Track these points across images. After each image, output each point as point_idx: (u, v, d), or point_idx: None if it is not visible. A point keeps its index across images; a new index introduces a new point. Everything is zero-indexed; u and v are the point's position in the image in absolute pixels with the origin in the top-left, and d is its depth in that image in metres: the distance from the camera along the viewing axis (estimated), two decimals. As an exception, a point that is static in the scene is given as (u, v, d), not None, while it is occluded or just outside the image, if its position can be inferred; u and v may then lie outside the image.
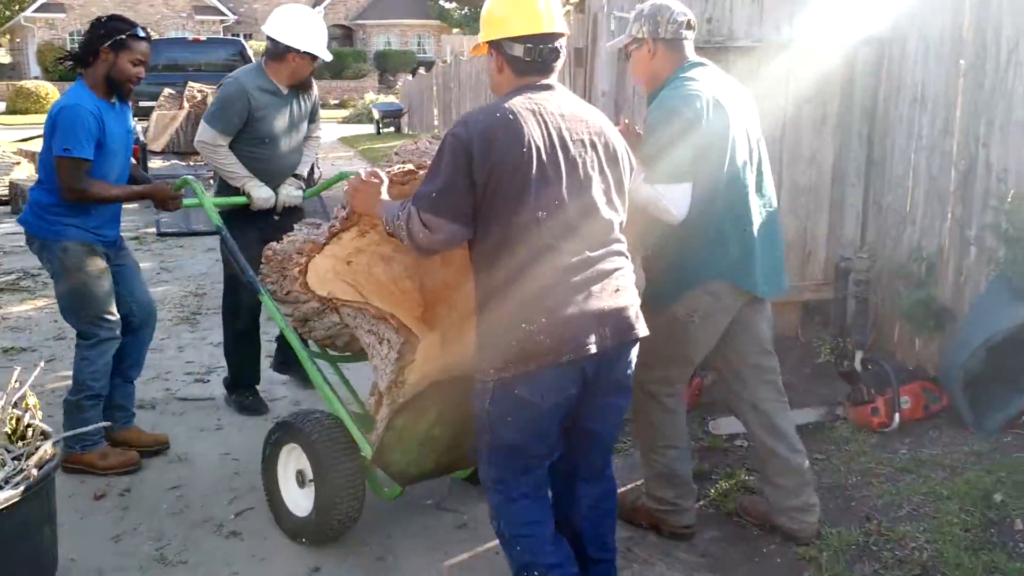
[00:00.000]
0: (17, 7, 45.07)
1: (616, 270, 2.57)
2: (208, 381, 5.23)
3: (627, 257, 2.65)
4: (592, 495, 2.80)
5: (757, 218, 3.09)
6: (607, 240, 2.57)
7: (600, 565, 2.81)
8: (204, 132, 4.39)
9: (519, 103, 2.49)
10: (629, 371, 2.67)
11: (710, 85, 3.00)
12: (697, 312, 3.10)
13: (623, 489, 3.61)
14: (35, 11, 42.59)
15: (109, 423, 4.00)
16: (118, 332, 3.96)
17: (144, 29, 3.94)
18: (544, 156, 2.45)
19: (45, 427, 3.07)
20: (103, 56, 3.75)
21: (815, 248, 5.41)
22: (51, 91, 34.16)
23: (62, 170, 3.70)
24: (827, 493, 3.67)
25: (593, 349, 2.46)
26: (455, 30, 49.17)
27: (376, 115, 24.64)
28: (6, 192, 11.37)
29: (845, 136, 5.21)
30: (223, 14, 46.01)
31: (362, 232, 2.99)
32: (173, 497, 3.81)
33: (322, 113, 4.93)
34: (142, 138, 11.56)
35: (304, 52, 4.31)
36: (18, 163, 12.28)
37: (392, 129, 24.12)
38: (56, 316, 6.38)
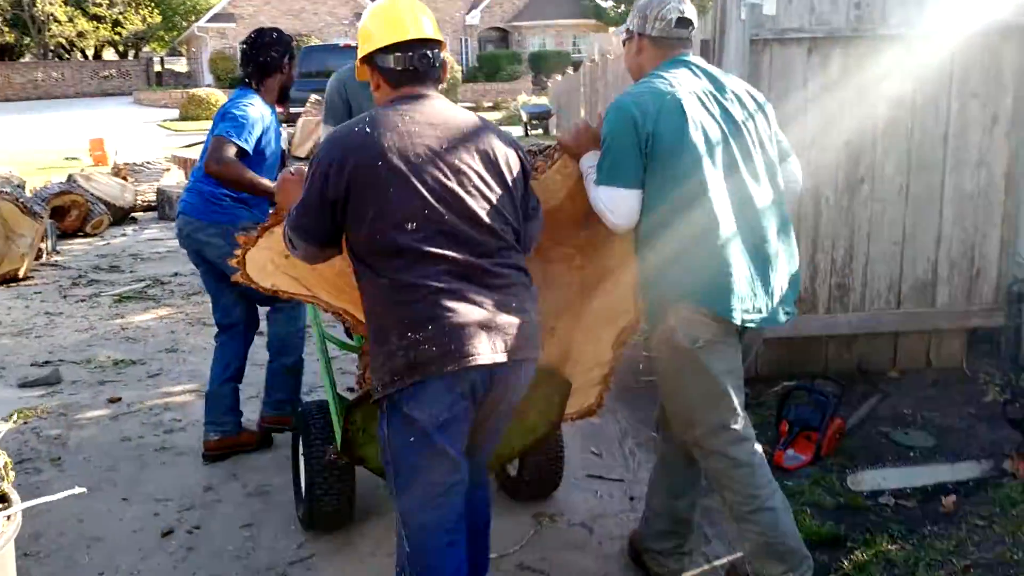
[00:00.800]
0: (194, 18, 47.43)
1: (507, 282, 2.44)
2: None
3: (522, 270, 2.51)
4: (477, 510, 2.71)
5: (735, 232, 2.70)
6: (492, 250, 2.43)
7: None
8: (323, 131, 4.50)
9: (381, 116, 2.45)
10: (520, 393, 2.55)
11: (677, 84, 2.73)
12: (697, 339, 2.72)
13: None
14: (207, 21, 44.64)
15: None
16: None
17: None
18: (405, 168, 2.37)
19: (9, 491, 2.74)
20: (284, 68, 4.14)
21: (984, 266, 4.69)
22: (221, 98, 35.59)
23: (214, 147, 3.82)
24: (986, 571, 3.02)
25: (482, 360, 2.34)
26: (611, 28, 48.54)
27: (524, 117, 24.41)
28: (154, 198, 11.63)
29: (1022, 137, 4.47)
30: (382, 20, 46.87)
31: None
32: (242, 538, 3.52)
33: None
34: (284, 145, 11.62)
35: None
36: (168, 170, 12.59)
37: (540, 131, 23.83)
38: (173, 327, 6.41)
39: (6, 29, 47.70)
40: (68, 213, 9.93)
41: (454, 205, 2.39)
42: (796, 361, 4.89)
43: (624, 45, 3.04)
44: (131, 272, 8.30)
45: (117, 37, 52.48)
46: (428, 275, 2.35)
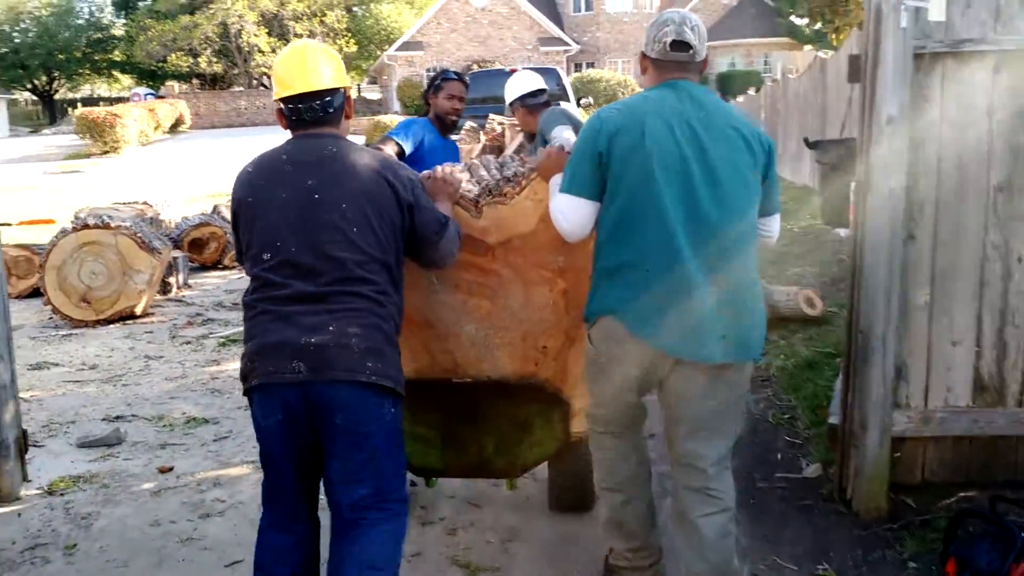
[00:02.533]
0: (387, 47, 48.78)
1: (336, 309, 2.60)
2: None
3: (365, 296, 2.64)
4: (339, 552, 2.68)
5: (666, 260, 2.69)
6: (335, 279, 2.62)
7: None
8: None
9: (266, 157, 2.80)
10: (358, 416, 2.61)
11: (650, 106, 2.79)
12: (601, 349, 2.88)
13: None
14: (396, 50, 45.75)
15: None
16: None
17: (457, 73, 4.77)
18: (267, 201, 2.68)
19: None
20: (431, 101, 4.65)
21: None
22: (403, 124, 36.24)
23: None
24: None
25: (283, 379, 2.56)
26: (807, 47, 46.51)
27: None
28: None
29: None
30: (567, 44, 46.75)
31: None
32: None
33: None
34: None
35: None
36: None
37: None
38: None
39: (214, 60, 50.66)
40: (207, 245, 9.77)
41: (305, 239, 2.63)
42: (977, 465, 3.80)
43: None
44: (250, 311, 7.94)
45: (315, 66, 54.64)
46: (265, 299, 2.64)
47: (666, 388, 2.84)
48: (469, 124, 13.50)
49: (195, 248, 9.71)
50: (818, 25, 44.77)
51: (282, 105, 2.80)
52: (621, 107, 2.86)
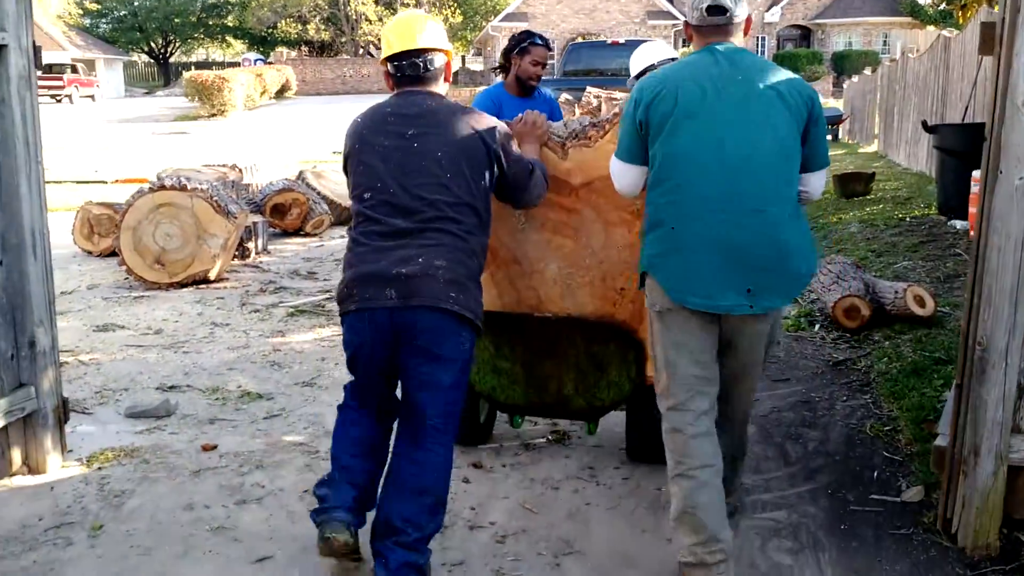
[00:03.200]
0: (493, 18, 48.43)
1: (427, 243, 2.94)
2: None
3: (453, 234, 2.97)
4: (399, 465, 3.02)
5: (702, 218, 2.84)
6: (427, 218, 2.96)
7: (386, 542, 2.93)
8: None
9: (372, 110, 3.21)
10: (438, 338, 2.92)
11: (687, 73, 2.93)
12: (655, 304, 3.02)
13: None
14: (501, 20, 45.35)
15: None
16: None
17: (542, 36, 5.04)
18: (371, 148, 3.08)
19: None
20: (513, 62, 4.99)
21: None
22: (505, 95, 35.90)
23: None
24: None
25: (376, 304, 2.90)
26: (929, 27, 44.30)
27: (812, 121, 22.22)
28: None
29: None
30: (675, 18, 45.60)
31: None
32: None
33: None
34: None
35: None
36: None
37: (829, 137, 21.59)
38: (326, 352, 5.64)
39: (322, 27, 51.16)
40: (289, 211, 9.61)
41: (402, 181, 2.99)
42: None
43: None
44: (325, 280, 7.71)
45: (421, 36, 54.66)
46: (363, 233, 3.00)
47: (725, 332, 3.00)
48: (564, 96, 13.07)
49: (277, 214, 9.55)
50: (942, 5, 42.52)
51: (388, 65, 3.18)
52: (661, 75, 2.99)
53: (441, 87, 3.24)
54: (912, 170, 13.93)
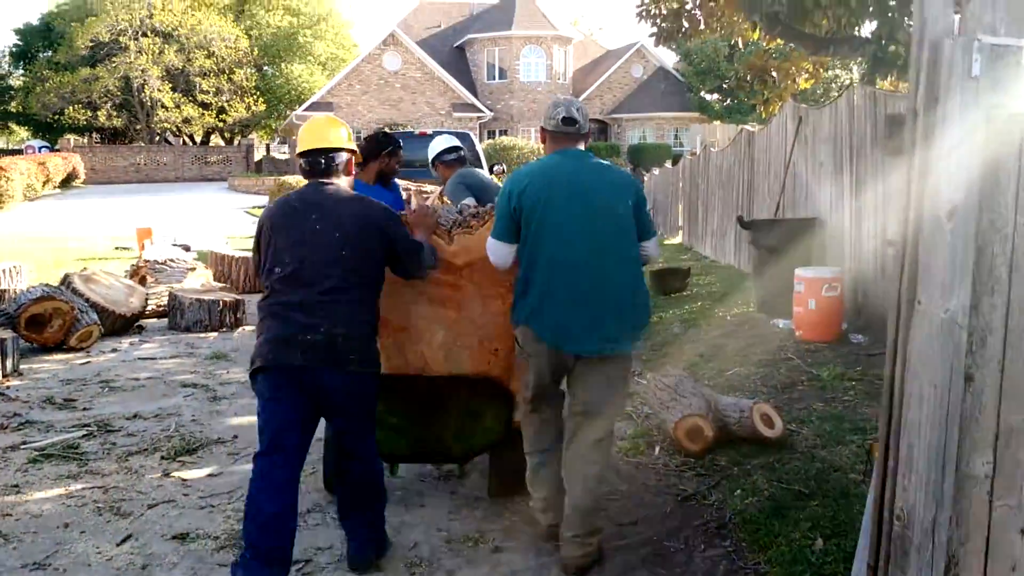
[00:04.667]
0: (297, 106, 47.45)
1: (327, 313, 3.55)
2: None
3: (354, 303, 3.63)
4: (353, 468, 3.82)
5: (560, 280, 3.73)
6: (326, 289, 3.57)
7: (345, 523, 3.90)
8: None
9: (281, 198, 3.88)
10: (347, 393, 3.64)
11: (546, 169, 3.86)
12: (524, 347, 3.90)
13: None
14: (305, 110, 44.45)
15: None
16: None
17: (399, 141, 5.79)
18: (283, 229, 3.69)
19: None
20: (381, 160, 5.61)
21: None
22: (309, 186, 34.79)
23: None
24: None
25: (287, 363, 3.52)
26: (716, 123, 46.86)
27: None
28: (165, 303, 9.92)
29: None
30: (480, 111, 46.20)
31: None
32: None
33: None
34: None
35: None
36: (193, 269, 10.90)
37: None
38: (68, 517, 4.10)
39: (114, 113, 48.54)
40: (49, 323, 8.25)
41: (305, 258, 3.61)
42: None
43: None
44: (84, 410, 6.46)
45: (222, 124, 53.07)
46: (274, 304, 3.63)
47: (572, 374, 3.90)
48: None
49: (34, 326, 8.18)
50: (727, 102, 45.24)
51: (301, 160, 3.80)
52: (527, 172, 3.90)
53: (343, 180, 3.89)
54: (720, 263, 13.95)
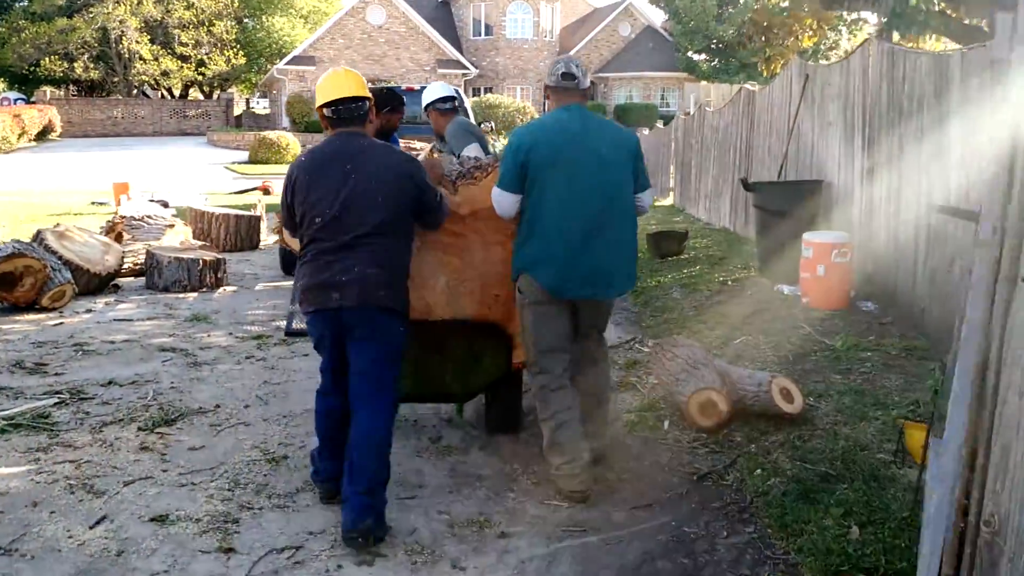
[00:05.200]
0: (278, 60, 46.55)
1: (362, 255, 3.76)
2: None
3: (387, 248, 3.82)
4: (360, 421, 3.84)
5: (560, 228, 4.05)
6: (362, 234, 3.76)
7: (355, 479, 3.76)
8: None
9: (313, 148, 4.04)
10: (374, 327, 3.80)
11: (552, 124, 4.18)
12: (526, 294, 4.16)
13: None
14: (287, 63, 43.59)
15: None
16: None
17: (401, 98, 6.04)
18: (318, 180, 3.84)
19: None
20: (381, 117, 5.38)
21: None
22: (292, 142, 34.19)
23: None
24: None
25: (327, 305, 3.77)
26: (703, 83, 46.35)
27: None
28: (142, 261, 9.50)
29: None
30: (465, 68, 45.47)
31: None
32: None
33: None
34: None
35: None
36: (172, 226, 10.45)
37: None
38: (38, 494, 4.13)
39: (91, 65, 47.48)
40: (20, 282, 7.83)
41: (343, 205, 3.77)
42: None
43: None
44: (56, 375, 6.08)
45: (201, 77, 52.07)
46: (314, 250, 3.83)
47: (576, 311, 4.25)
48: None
49: (3, 285, 7.77)
50: (716, 62, 44.59)
51: (326, 110, 3.93)
52: (536, 126, 4.29)
53: (367, 128, 4.04)
54: (715, 226, 13.63)
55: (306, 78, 43.65)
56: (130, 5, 46.24)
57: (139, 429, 5.05)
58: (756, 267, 9.01)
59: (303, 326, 7.39)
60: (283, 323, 7.66)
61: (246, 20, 52.93)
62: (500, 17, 47.31)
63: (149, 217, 10.50)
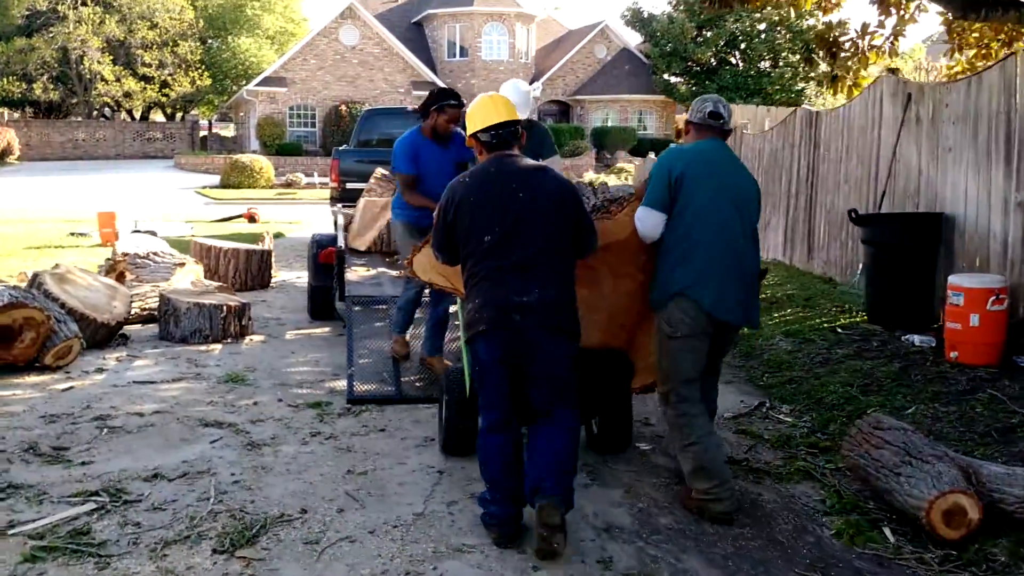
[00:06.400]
0: (244, 82, 45.17)
1: (542, 275, 3.84)
2: None
3: (561, 270, 3.93)
4: (543, 434, 3.90)
5: (714, 251, 4.16)
6: (537, 252, 3.85)
7: (542, 491, 3.80)
8: None
9: (477, 170, 4.09)
10: (553, 355, 3.87)
11: (697, 151, 4.31)
12: (678, 326, 4.19)
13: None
14: (257, 85, 42.20)
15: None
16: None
17: (456, 96, 6.17)
18: (487, 198, 3.93)
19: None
20: (432, 115, 6.07)
21: None
22: (266, 166, 32.87)
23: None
24: None
25: (505, 325, 3.80)
26: (680, 106, 45.71)
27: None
28: (156, 305, 8.23)
29: None
30: (440, 89, 44.38)
31: None
32: None
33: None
34: (340, 240, 8.27)
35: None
36: (182, 264, 9.16)
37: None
38: None
39: (51, 86, 45.76)
40: (19, 336, 6.54)
41: (514, 223, 3.87)
42: None
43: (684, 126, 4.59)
44: (83, 464, 4.82)
45: (165, 99, 50.55)
46: (488, 267, 3.87)
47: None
48: (381, 171, 10.75)
49: (0, 339, 6.49)
50: (694, 86, 43.96)
51: (482, 135, 4.09)
52: (686, 151, 4.36)
53: (516, 149, 4.23)
54: (765, 259, 12.62)
55: (277, 99, 42.32)
56: (92, 25, 44.74)
57: (214, 551, 3.83)
58: (861, 310, 7.97)
59: (368, 388, 6.30)
60: (339, 385, 6.46)
61: (211, 41, 51.50)
62: (475, 39, 46.39)
63: (155, 254, 9.20)
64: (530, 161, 4.12)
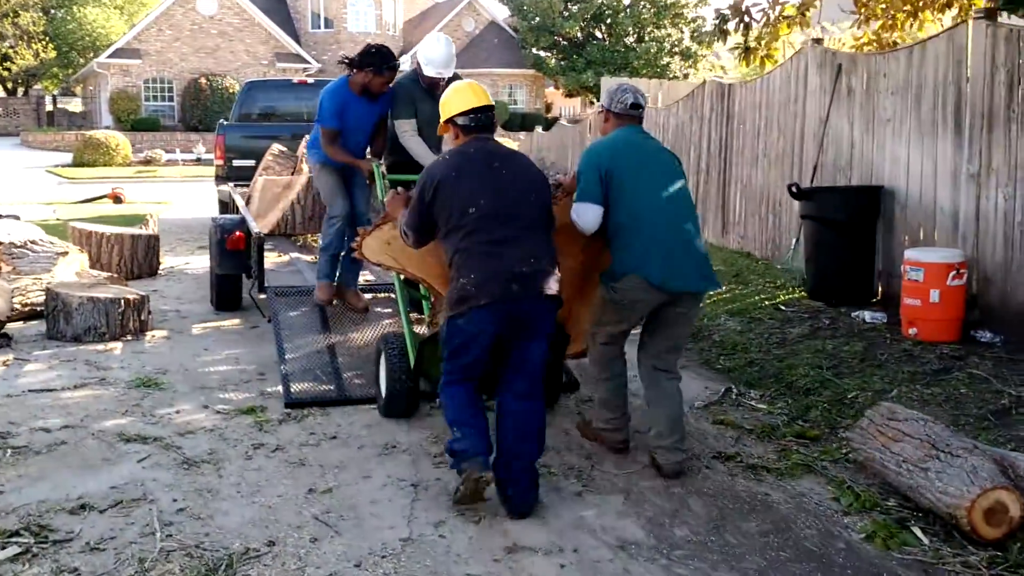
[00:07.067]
0: (92, 54, 42.53)
1: (531, 247, 3.96)
2: None
3: (547, 241, 4.08)
4: (526, 410, 4.01)
5: (653, 226, 4.28)
6: (524, 225, 3.99)
7: (513, 465, 3.93)
8: (398, 126, 6.18)
9: (453, 151, 4.20)
10: (546, 320, 4.00)
11: (620, 140, 4.45)
12: (624, 294, 4.35)
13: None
14: (109, 57, 39.75)
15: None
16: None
17: (390, 62, 6.08)
18: (469, 175, 4.02)
19: None
20: (364, 74, 5.98)
21: None
22: (122, 142, 31.04)
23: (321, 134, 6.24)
24: None
25: (505, 296, 3.83)
26: (550, 80, 45.71)
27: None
28: (40, 300, 7.32)
29: None
30: (307, 62, 42.95)
31: (394, 227, 4.58)
32: None
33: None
34: (251, 224, 7.55)
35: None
36: (65, 253, 8.17)
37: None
38: None
39: None
40: None
41: (499, 196, 3.99)
42: None
43: (599, 115, 5.01)
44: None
45: (6, 73, 47.21)
46: (478, 240, 3.93)
47: (660, 316, 4.51)
48: (278, 148, 9.99)
49: None
50: (564, 61, 43.97)
51: (460, 119, 4.17)
52: (609, 143, 4.48)
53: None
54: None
55: (131, 72, 40.03)
56: (-80, -9, 41.20)
57: (178, 602, 3.21)
58: (798, 286, 7.80)
59: (305, 388, 5.66)
60: (269, 387, 5.81)
61: (54, 11, 48.21)
62: (341, 9, 45.10)
63: (33, 243, 8.19)
64: (506, 146, 4.28)
